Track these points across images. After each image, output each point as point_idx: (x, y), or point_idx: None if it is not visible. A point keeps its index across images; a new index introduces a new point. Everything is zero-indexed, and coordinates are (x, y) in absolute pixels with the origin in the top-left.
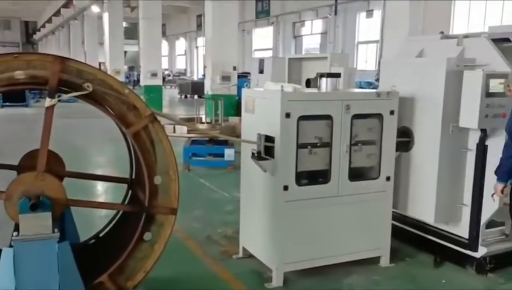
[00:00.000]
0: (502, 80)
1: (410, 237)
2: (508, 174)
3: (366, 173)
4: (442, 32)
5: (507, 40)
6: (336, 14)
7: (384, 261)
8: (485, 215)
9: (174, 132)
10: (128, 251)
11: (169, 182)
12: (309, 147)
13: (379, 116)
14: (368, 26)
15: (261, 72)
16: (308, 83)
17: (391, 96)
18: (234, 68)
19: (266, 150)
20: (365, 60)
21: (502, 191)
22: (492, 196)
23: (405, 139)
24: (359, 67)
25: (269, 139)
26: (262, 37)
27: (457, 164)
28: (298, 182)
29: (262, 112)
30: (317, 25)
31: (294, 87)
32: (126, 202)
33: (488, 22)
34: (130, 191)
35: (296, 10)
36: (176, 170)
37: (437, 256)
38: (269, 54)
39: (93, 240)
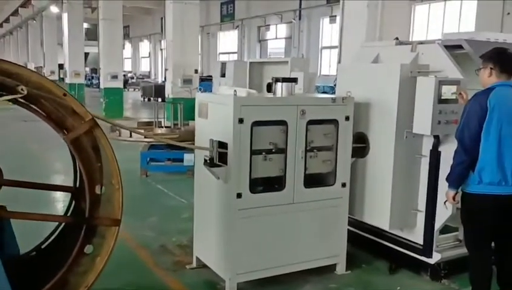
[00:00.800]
0: (454, 87)
1: (367, 243)
2: (458, 180)
3: (321, 180)
4: (397, 38)
5: (461, 46)
6: (300, 19)
7: (341, 269)
8: (439, 221)
9: (131, 136)
10: (67, 265)
11: (113, 191)
12: (263, 153)
13: (335, 122)
14: (331, 32)
15: (223, 75)
16: (269, 88)
17: (346, 102)
18: (196, 71)
19: (219, 156)
20: (329, 65)
21: (454, 198)
22: (444, 203)
23: (361, 145)
24: (323, 72)
25: (222, 145)
26: (228, 41)
27: (411, 170)
28: (252, 190)
29: (216, 117)
30: (282, 29)
31: (248, 91)
32: (70, 213)
33: (447, 28)
34: (73, 201)
35: (260, 14)
36: (120, 179)
37: (392, 263)
38: (234, 57)
39: (34, 252)
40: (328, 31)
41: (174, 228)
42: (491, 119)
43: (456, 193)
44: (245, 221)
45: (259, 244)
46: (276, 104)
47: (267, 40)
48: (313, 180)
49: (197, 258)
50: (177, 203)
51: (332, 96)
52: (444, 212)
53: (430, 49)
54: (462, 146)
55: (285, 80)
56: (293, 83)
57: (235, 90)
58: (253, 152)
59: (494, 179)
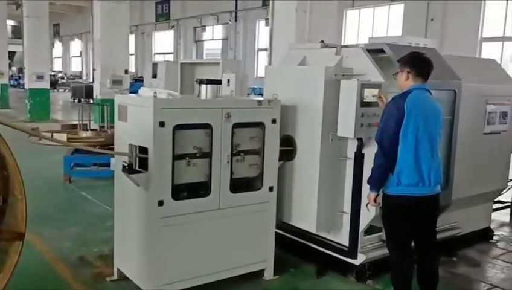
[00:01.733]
0: (376, 90)
1: (296, 246)
2: (379, 183)
3: (248, 184)
4: (322, 42)
5: (384, 50)
6: (236, 20)
7: (269, 274)
8: (363, 223)
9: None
10: None
11: (15, 202)
12: (187, 158)
13: (261, 125)
14: (267, 34)
15: (155, 76)
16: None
17: (273, 105)
18: (126, 72)
19: (139, 162)
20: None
21: (375, 200)
22: (366, 205)
23: (288, 148)
24: (259, 74)
25: (143, 150)
26: (164, 41)
27: (337, 172)
28: (175, 196)
29: (136, 121)
30: (218, 30)
31: (170, 93)
32: None
33: (377, 32)
34: None
35: (196, 15)
36: (23, 189)
37: (319, 266)
38: (171, 58)
39: None
40: (265, 33)
41: (96, 237)
42: (408, 122)
43: (377, 195)
44: (168, 229)
45: (183, 253)
46: (200, 106)
47: (203, 40)
48: (239, 185)
49: (118, 269)
50: (102, 210)
51: (259, 98)
52: (368, 213)
53: (353, 53)
54: (381, 149)
55: (209, 81)
56: (219, 85)
57: (155, 92)
58: (176, 157)
59: (412, 180)
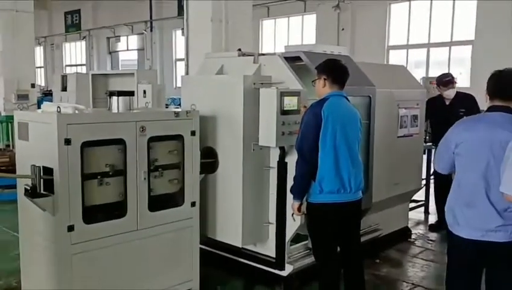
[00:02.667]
0: (295, 98)
1: (222, 261)
2: (302, 191)
3: (169, 201)
4: (239, 50)
5: (300, 58)
6: (151, 30)
7: None
8: (289, 232)
9: None
10: None
11: None
12: (99, 177)
13: (179, 137)
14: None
15: (65, 89)
16: None
17: (191, 116)
18: (33, 85)
19: (44, 184)
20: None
21: (299, 209)
22: (292, 215)
23: (210, 160)
24: (179, 84)
25: (47, 171)
26: (75, 52)
27: (261, 183)
28: (87, 220)
29: (38, 139)
30: (134, 40)
31: (76, 107)
32: None
33: (292, 41)
34: None
35: (109, 25)
36: None
37: (247, 281)
38: (84, 70)
39: None
40: (182, 43)
41: (2, 268)
42: (326, 129)
43: (301, 204)
44: (80, 257)
45: (100, 281)
46: (111, 120)
47: (118, 51)
48: (159, 202)
49: None
50: (9, 238)
51: (176, 110)
52: (294, 222)
53: (271, 61)
54: (301, 157)
55: (121, 93)
56: (131, 97)
57: (58, 107)
58: (86, 177)
59: (333, 187)
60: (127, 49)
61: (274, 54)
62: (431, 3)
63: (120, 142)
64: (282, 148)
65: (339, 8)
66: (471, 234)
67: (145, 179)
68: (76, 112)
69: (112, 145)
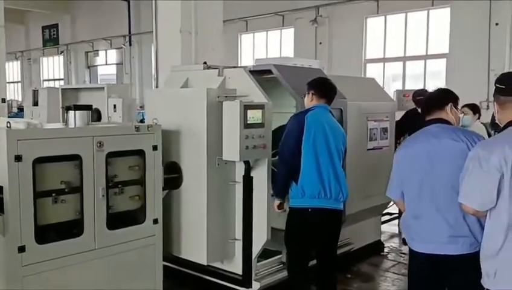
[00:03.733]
0: (260, 111)
1: (189, 279)
2: (283, 191)
3: (129, 218)
4: (205, 63)
5: (271, 71)
6: (130, 44)
7: None
8: (256, 248)
9: None
10: None
11: None
12: (53, 194)
13: (141, 152)
14: None
15: (36, 104)
16: None
17: (153, 130)
18: (3, 100)
19: None
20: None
21: (279, 207)
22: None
23: (173, 176)
24: None
25: None
26: (53, 67)
27: (226, 198)
28: (40, 240)
29: None
30: (112, 55)
31: (29, 123)
32: None
33: (271, 54)
34: None
35: (88, 39)
36: None
37: None
38: (62, 84)
39: None
40: None
41: None
42: (309, 135)
43: (281, 203)
44: (33, 279)
45: None
46: (66, 136)
47: (96, 66)
48: (119, 220)
49: None
50: None
51: (137, 124)
52: (260, 238)
53: (236, 74)
54: (282, 159)
55: (78, 107)
56: (89, 111)
57: (8, 122)
58: (39, 195)
59: (315, 190)
60: (106, 64)
61: (239, 67)
62: (406, 17)
63: (76, 158)
64: (247, 163)
65: (316, 22)
66: (424, 247)
67: (103, 196)
68: (30, 127)
69: (67, 161)
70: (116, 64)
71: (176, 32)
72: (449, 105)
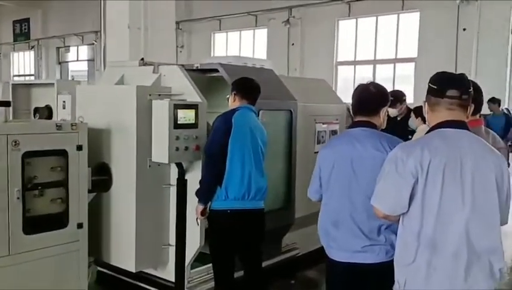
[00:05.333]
0: (192, 111)
1: (121, 285)
2: (207, 195)
3: (50, 222)
4: (142, 59)
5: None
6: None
7: None
8: (189, 255)
9: None
10: None
11: None
12: None
13: (63, 152)
14: None
15: None
16: (37, 113)
17: (78, 129)
18: None
19: None
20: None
21: (203, 213)
22: (196, 220)
23: (102, 178)
24: None
25: None
26: (24, 62)
27: (159, 202)
28: None
29: None
30: (84, 51)
31: None
32: None
33: (244, 54)
34: None
35: (59, 35)
36: None
37: None
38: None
39: None
40: None
41: None
42: (235, 137)
43: (205, 208)
44: None
45: None
46: None
47: (67, 62)
48: (38, 224)
49: None
50: None
51: (59, 122)
52: (194, 244)
53: (171, 71)
54: (209, 159)
55: None
56: (7, 107)
57: None
58: None
59: (239, 193)
60: (77, 60)
61: (175, 64)
62: (376, 20)
63: None
64: (179, 165)
65: (288, 23)
66: (341, 256)
67: (18, 198)
68: None
69: None
70: (88, 60)
71: (124, 28)
72: (384, 108)
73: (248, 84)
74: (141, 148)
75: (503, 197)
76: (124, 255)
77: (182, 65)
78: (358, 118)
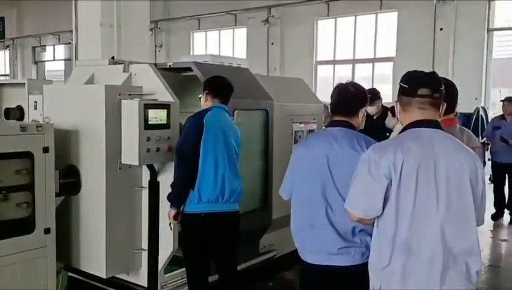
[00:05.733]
0: (164, 111)
1: None
2: (180, 198)
3: (15, 228)
4: (113, 57)
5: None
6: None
7: None
8: (162, 259)
9: None
10: None
11: None
12: None
13: (29, 154)
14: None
15: None
16: (8, 114)
17: (44, 130)
18: None
19: None
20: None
21: (175, 218)
22: (170, 225)
23: (71, 181)
24: None
25: None
26: None
27: (131, 205)
28: None
29: None
30: (61, 50)
31: None
32: None
33: (224, 53)
34: None
35: (35, 34)
36: None
37: None
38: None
39: None
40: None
41: None
42: (208, 136)
43: (177, 212)
44: None
45: None
46: None
47: (44, 61)
48: (2, 230)
49: None
50: None
51: (24, 123)
52: (167, 248)
53: (142, 70)
54: (180, 161)
55: None
56: None
57: None
58: None
59: (212, 195)
60: (54, 59)
61: (146, 62)
62: (355, 20)
63: None
64: (151, 167)
65: (268, 22)
66: (317, 258)
67: None
68: None
69: None
70: (65, 60)
71: (96, 25)
72: (363, 109)
73: (220, 83)
74: (111, 149)
75: (478, 197)
76: (94, 260)
77: (154, 64)
78: (336, 118)
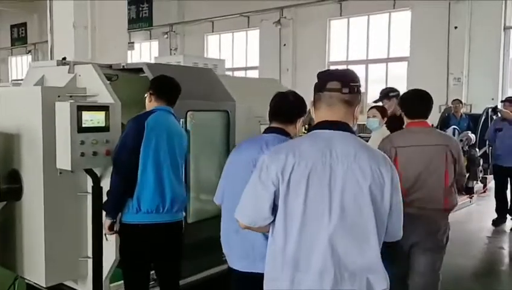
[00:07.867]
0: (102, 113)
1: None
2: (116, 207)
3: None
4: (64, 58)
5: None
6: None
7: None
8: (107, 267)
9: None
10: None
11: None
12: None
13: None
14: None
15: None
16: None
17: None
18: None
19: None
20: None
21: (111, 228)
22: (105, 235)
23: (13, 186)
24: None
25: None
26: (22, 66)
27: (74, 211)
28: None
29: None
30: None
31: None
32: None
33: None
34: None
35: None
36: None
37: None
38: None
39: None
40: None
41: None
42: (149, 141)
43: (113, 222)
44: None
45: None
46: None
47: None
48: None
49: None
50: None
51: None
52: (110, 256)
53: (85, 71)
54: (117, 169)
55: None
56: None
57: None
58: None
59: (153, 205)
60: None
61: (90, 63)
62: (368, 19)
63: None
64: (90, 171)
65: (280, 24)
66: (240, 265)
67: None
68: None
69: None
70: None
71: (69, 27)
72: (301, 119)
73: (165, 83)
74: (48, 154)
75: (384, 211)
76: (35, 268)
77: (110, 65)
78: (273, 124)
